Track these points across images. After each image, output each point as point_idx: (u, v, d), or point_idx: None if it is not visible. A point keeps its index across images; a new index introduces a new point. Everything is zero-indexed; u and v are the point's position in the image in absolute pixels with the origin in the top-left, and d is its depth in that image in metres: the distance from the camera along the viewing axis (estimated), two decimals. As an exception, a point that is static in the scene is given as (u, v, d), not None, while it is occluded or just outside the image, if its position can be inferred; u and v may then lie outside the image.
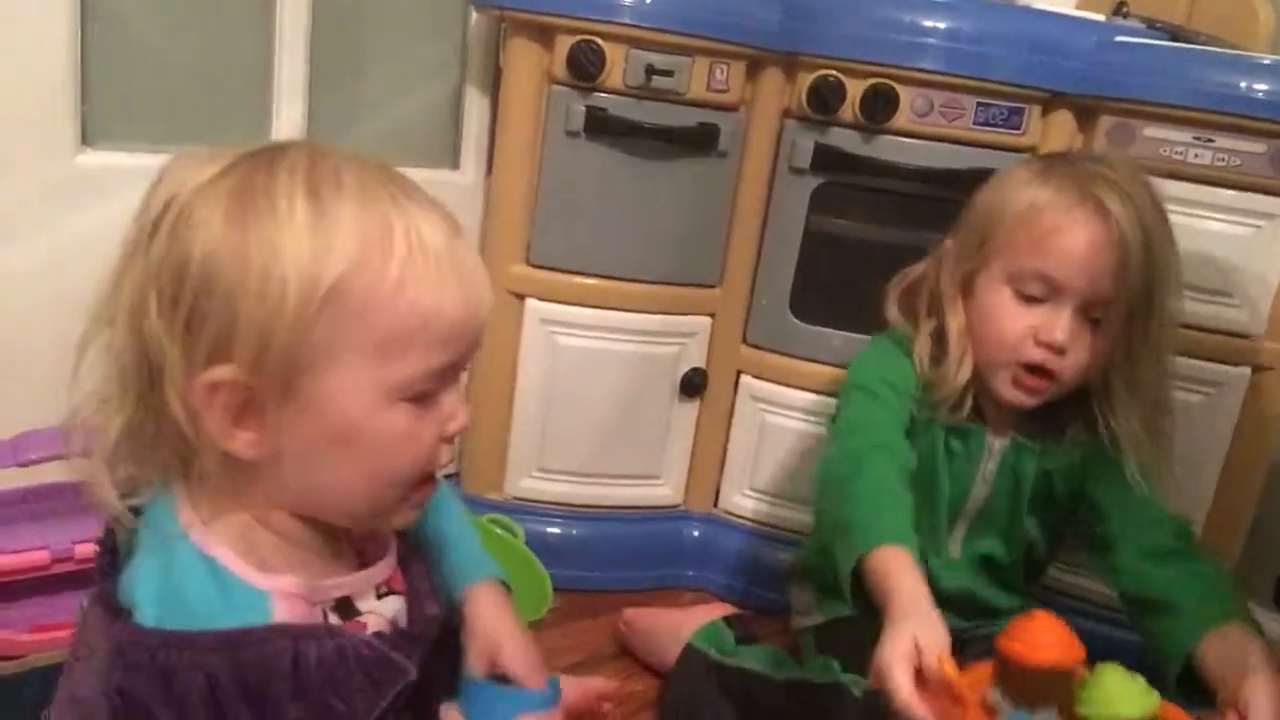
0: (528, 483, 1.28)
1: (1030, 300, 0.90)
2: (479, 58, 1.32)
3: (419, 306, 0.54)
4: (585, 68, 1.12)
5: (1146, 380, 0.91)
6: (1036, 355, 0.90)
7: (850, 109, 1.14)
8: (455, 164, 1.36)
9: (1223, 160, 1.08)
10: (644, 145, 1.17)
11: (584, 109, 1.15)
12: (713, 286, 1.27)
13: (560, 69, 1.14)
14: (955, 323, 0.94)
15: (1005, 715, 0.69)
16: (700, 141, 1.18)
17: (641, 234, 1.22)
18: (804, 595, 1.10)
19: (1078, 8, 1.19)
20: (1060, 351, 0.89)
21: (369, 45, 1.27)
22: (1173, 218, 1.09)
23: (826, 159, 1.17)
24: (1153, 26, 1.19)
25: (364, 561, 0.62)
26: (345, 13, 1.23)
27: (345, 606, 0.60)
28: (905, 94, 1.12)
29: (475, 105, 1.34)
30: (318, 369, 0.53)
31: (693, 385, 1.28)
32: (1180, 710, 0.73)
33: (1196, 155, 1.09)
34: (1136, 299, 0.87)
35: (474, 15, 1.31)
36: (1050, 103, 1.12)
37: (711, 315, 1.28)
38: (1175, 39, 1.16)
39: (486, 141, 1.34)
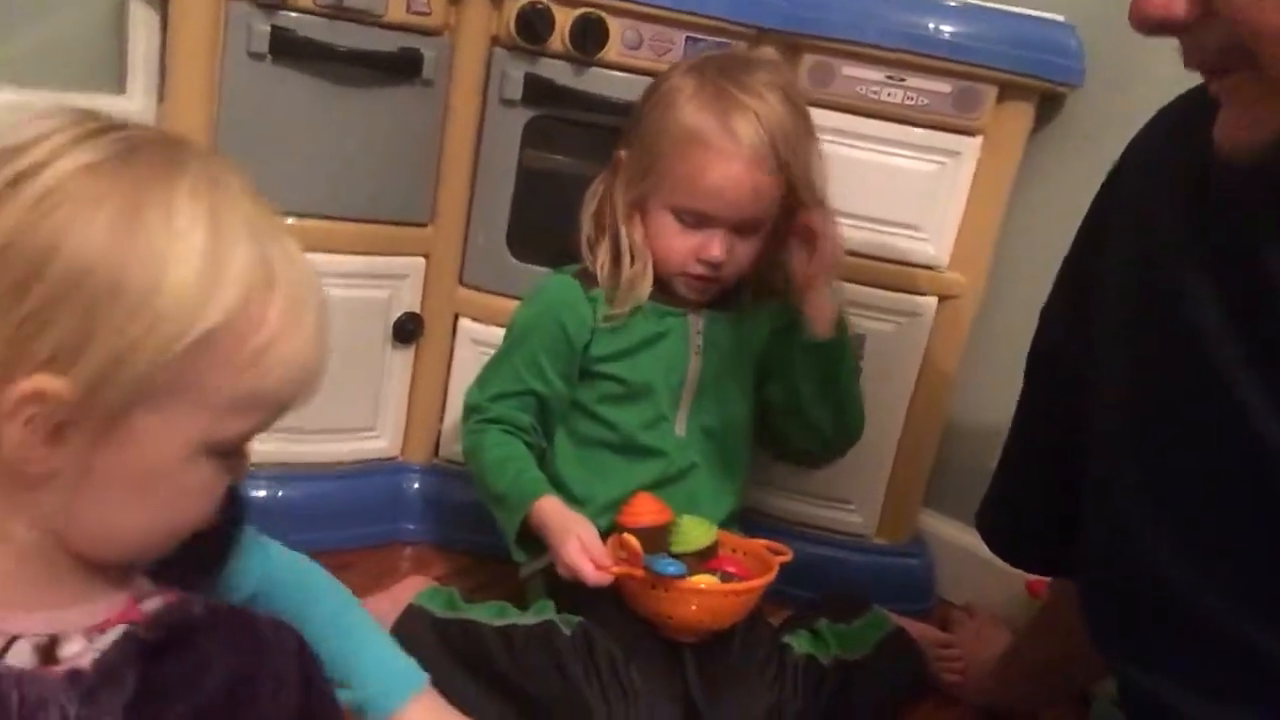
0: (227, 443, 1.17)
1: (689, 224, 1.02)
2: (144, -33, 1.16)
3: (274, 374, 0.51)
4: (267, -16, 1.01)
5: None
6: (698, 269, 1.03)
7: (560, 39, 1.09)
8: (121, 88, 1.20)
9: (912, 99, 1.14)
10: (339, 71, 1.07)
11: (268, 29, 1.04)
12: (424, 225, 1.20)
13: (238, -16, 1.02)
14: (633, 237, 1.05)
15: (649, 560, 0.96)
16: (402, 68, 1.10)
17: (342, 168, 1.12)
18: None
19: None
20: (721, 264, 1.02)
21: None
22: (866, 155, 1.17)
23: (538, 91, 1.13)
24: (850, -34, 1.22)
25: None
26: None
27: (48, 648, 0.52)
28: (615, 25, 1.09)
29: (142, 24, 1.18)
30: (149, 407, 0.49)
31: (406, 331, 1.22)
32: (731, 534, 1.06)
33: (890, 94, 1.14)
34: (782, 208, 1.03)
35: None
36: (757, 39, 1.13)
37: (425, 256, 1.21)
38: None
39: (158, 63, 1.18)
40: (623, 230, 1.05)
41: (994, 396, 1.26)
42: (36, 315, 0.47)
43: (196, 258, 0.48)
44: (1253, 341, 0.58)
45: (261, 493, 1.17)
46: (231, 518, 0.65)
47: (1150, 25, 0.53)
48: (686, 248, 1.03)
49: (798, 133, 1.01)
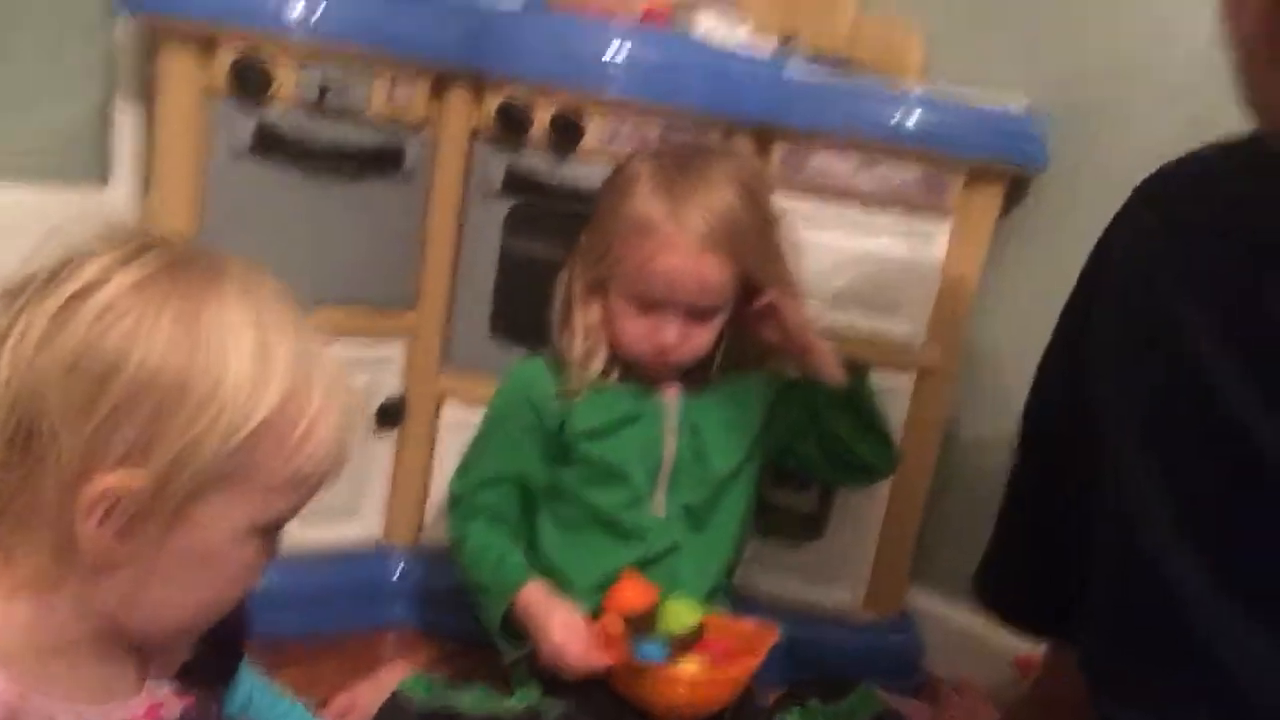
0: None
1: (642, 309, 1.03)
2: (130, 66, 1.19)
3: (316, 457, 0.56)
4: (251, 82, 1.03)
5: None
6: (654, 353, 1.04)
7: (540, 133, 1.12)
8: (104, 180, 1.22)
9: (883, 185, 1.17)
10: (322, 164, 1.10)
11: (253, 125, 1.06)
12: (408, 309, 1.22)
13: (223, 82, 1.04)
14: (588, 318, 1.06)
15: (635, 644, 0.96)
16: (384, 161, 1.13)
17: (325, 258, 1.14)
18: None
19: (749, 39, 1.24)
20: (673, 349, 1.03)
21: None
22: (841, 238, 1.19)
23: (518, 182, 1.15)
24: (817, 58, 1.26)
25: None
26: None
27: None
28: (593, 119, 1.12)
29: (127, 119, 1.20)
30: (212, 494, 0.54)
31: (390, 415, 1.22)
32: (719, 615, 1.05)
33: (860, 181, 1.17)
34: (740, 292, 1.05)
35: (121, 21, 1.17)
36: (730, 129, 1.16)
37: (408, 340, 1.22)
38: (839, 71, 1.23)
39: (143, 158, 1.21)
40: (578, 312, 1.07)
41: (975, 469, 1.29)
42: (109, 420, 0.51)
43: (250, 354, 0.54)
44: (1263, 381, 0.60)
45: (244, 583, 1.16)
46: (243, 629, 0.69)
47: None
48: (640, 331, 1.04)
49: (752, 222, 1.02)
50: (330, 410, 0.57)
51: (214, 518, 0.54)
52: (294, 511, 0.58)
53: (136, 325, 0.52)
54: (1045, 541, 0.81)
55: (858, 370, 1.10)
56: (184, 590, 0.56)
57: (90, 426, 0.51)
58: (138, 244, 0.55)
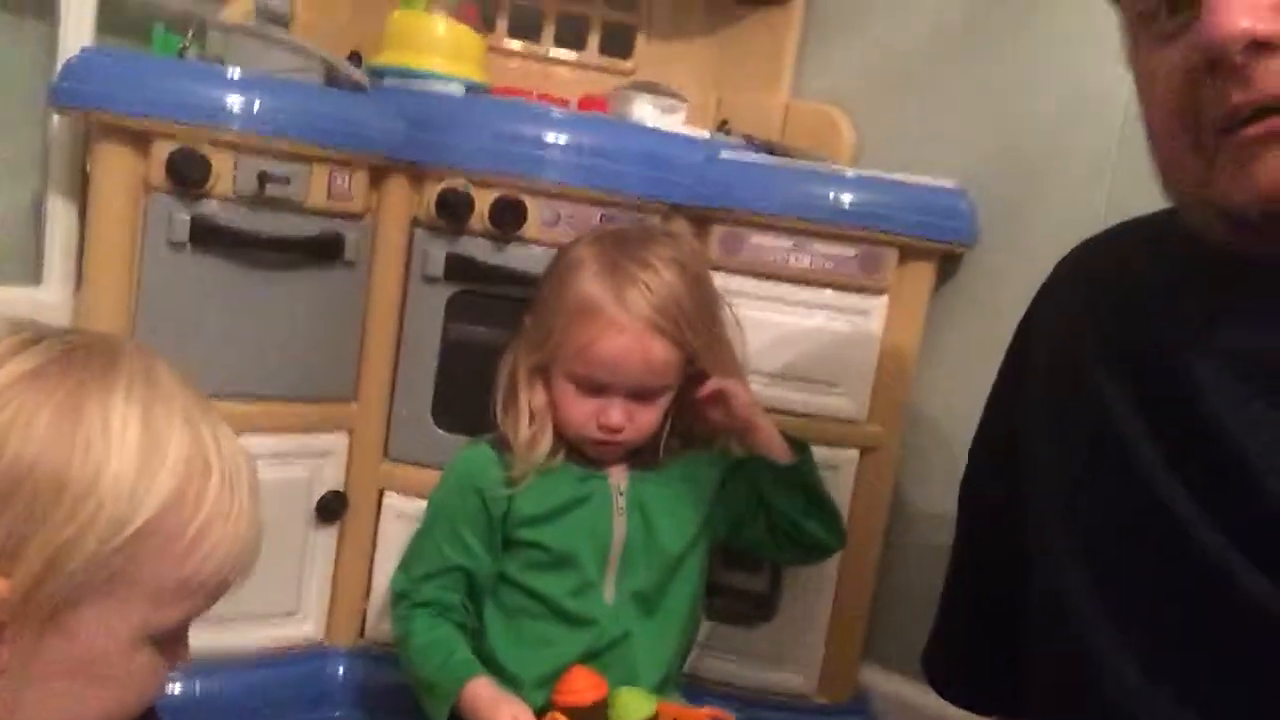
0: (140, 638, 1.11)
1: (587, 391, 1.03)
2: (63, 161, 1.17)
3: (212, 561, 0.53)
4: (188, 176, 1.03)
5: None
6: (600, 434, 1.04)
7: (480, 219, 1.13)
8: (37, 278, 1.19)
9: (819, 263, 1.19)
10: (260, 255, 1.09)
11: (188, 218, 1.05)
12: (348, 401, 1.20)
13: (159, 176, 1.03)
14: (532, 401, 1.06)
15: None
16: (324, 251, 1.12)
17: (263, 349, 1.12)
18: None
19: (685, 124, 1.27)
20: (619, 430, 1.03)
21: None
22: (780, 316, 1.21)
23: (459, 268, 1.15)
24: (751, 142, 1.30)
25: None
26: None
27: None
28: (533, 205, 1.13)
29: (60, 214, 1.19)
30: (90, 601, 0.50)
31: (330, 509, 1.19)
32: (672, 704, 1.03)
33: (797, 259, 1.19)
34: (683, 375, 1.05)
35: (55, 116, 1.16)
36: (669, 213, 1.18)
37: (348, 432, 1.21)
38: (772, 153, 1.26)
39: (76, 254, 1.19)
40: (522, 395, 1.06)
41: (923, 544, 1.29)
42: None
43: (135, 448, 0.50)
44: (1170, 443, 0.61)
45: (178, 688, 1.11)
46: None
47: (1231, 44, 0.51)
48: (585, 413, 1.03)
49: (694, 304, 1.03)
50: (230, 508, 0.54)
51: (96, 625, 0.51)
52: (194, 615, 0.55)
53: (14, 417, 0.49)
54: (986, 621, 0.81)
55: (801, 447, 1.10)
56: (73, 700, 0.52)
57: None
58: (32, 334, 0.53)
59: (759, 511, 1.11)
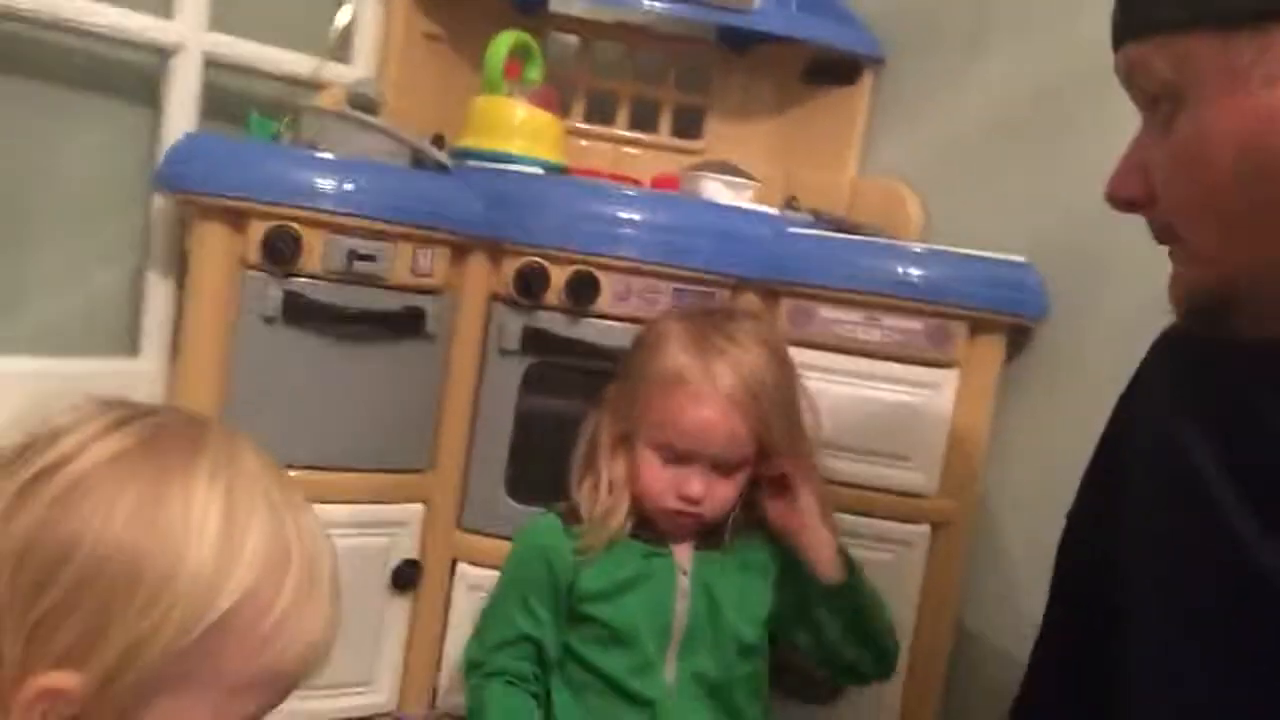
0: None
1: (669, 460, 1.04)
2: (163, 239, 1.24)
3: (289, 651, 0.52)
4: (282, 253, 1.08)
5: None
6: (678, 505, 1.04)
7: (555, 294, 1.17)
8: (134, 350, 1.25)
9: (889, 337, 1.20)
10: (347, 330, 1.13)
11: (281, 294, 1.10)
12: (424, 471, 1.23)
13: (254, 254, 1.09)
14: (613, 471, 1.07)
15: None
16: (406, 325, 1.16)
17: (346, 421, 1.16)
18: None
19: (753, 200, 1.30)
20: (699, 501, 1.03)
21: (38, 225, 1.17)
22: (849, 389, 1.21)
23: (535, 341, 1.19)
24: (819, 218, 1.32)
25: None
26: (12, 191, 1.14)
27: None
28: (606, 280, 1.17)
29: (159, 290, 1.25)
30: (163, 694, 0.49)
31: (405, 578, 1.21)
32: None
33: (866, 333, 1.20)
34: (762, 450, 1.05)
35: (157, 197, 1.23)
36: (738, 287, 1.20)
37: (424, 502, 1.23)
38: (840, 229, 1.28)
39: (171, 328, 1.25)
40: (603, 464, 1.07)
41: (997, 620, 1.26)
42: (53, 614, 0.47)
43: (212, 542, 0.49)
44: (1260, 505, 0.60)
45: (253, 755, 1.13)
46: None
47: (1118, 204, 0.63)
48: (666, 482, 1.04)
49: (777, 383, 1.04)
50: (308, 601, 0.52)
51: (169, 716, 0.49)
52: (268, 709, 0.53)
53: (95, 507, 0.48)
54: (1074, 693, 0.80)
55: (855, 573, 1.07)
56: None
57: (32, 620, 0.47)
58: (119, 415, 0.52)
59: (803, 624, 1.08)
